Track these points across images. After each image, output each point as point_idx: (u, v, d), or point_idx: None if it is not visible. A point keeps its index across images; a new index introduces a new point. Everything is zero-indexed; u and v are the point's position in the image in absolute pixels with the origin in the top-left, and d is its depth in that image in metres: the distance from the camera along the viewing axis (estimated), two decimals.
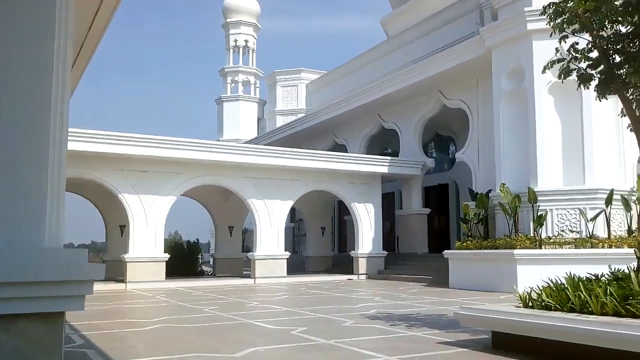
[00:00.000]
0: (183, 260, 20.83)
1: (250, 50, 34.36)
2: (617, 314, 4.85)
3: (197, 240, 24.62)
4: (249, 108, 33.13)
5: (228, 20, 34.14)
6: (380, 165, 18.82)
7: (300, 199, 18.56)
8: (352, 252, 19.18)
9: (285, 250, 17.83)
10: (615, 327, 4.52)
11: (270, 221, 17.41)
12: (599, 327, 4.61)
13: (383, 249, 19.31)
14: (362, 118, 21.97)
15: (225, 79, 33.92)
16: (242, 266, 21.48)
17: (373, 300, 11.16)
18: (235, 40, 33.91)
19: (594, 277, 5.61)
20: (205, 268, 23.91)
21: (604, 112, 13.22)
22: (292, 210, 22.61)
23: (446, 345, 5.84)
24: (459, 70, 16.75)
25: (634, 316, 4.72)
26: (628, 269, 5.59)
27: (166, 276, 15.92)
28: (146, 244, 15.52)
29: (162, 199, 15.80)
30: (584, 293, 5.11)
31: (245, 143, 25.38)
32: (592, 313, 4.99)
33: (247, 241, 24.76)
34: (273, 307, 10.16)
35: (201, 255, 24.69)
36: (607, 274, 5.69)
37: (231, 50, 34.16)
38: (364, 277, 18.61)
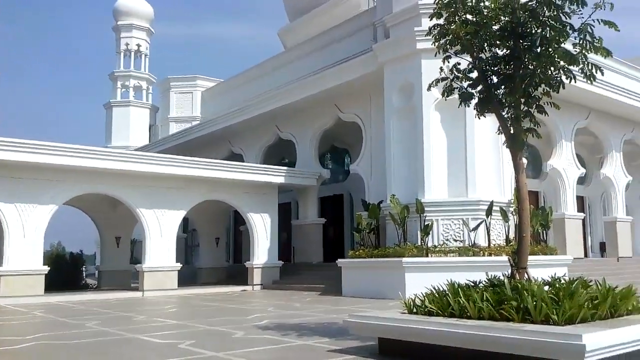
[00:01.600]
0: (65, 273, 19.49)
1: (143, 55, 33.18)
2: (492, 318, 5.17)
3: (81, 251, 23.16)
4: (140, 114, 31.89)
5: (119, 23, 32.76)
6: (276, 175, 18.85)
7: (193, 209, 18.08)
8: (247, 262, 18.99)
9: (177, 262, 17.27)
10: (489, 331, 4.82)
11: (160, 231, 16.79)
12: (475, 331, 4.89)
13: (279, 259, 19.31)
14: (260, 128, 21.93)
15: (115, 83, 32.42)
16: (130, 279, 20.49)
17: (266, 311, 11.09)
18: (127, 44, 32.60)
19: (472, 284, 5.95)
20: (90, 281, 22.56)
21: (486, 130, 14.20)
22: (185, 220, 21.99)
23: (335, 352, 5.92)
24: (353, 84, 17.27)
25: (507, 320, 5.06)
26: (503, 275, 5.99)
27: (45, 290, 14.81)
28: (23, 255, 14.35)
29: (41, 208, 14.71)
30: (462, 299, 5.41)
31: (135, 150, 24.36)
32: (470, 318, 5.29)
33: (135, 252, 23.70)
34: (161, 320, 9.77)
35: (85, 267, 23.27)
36: (485, 281, 6.06)
37: (122, 54, 32.77)
38: (258, 287, 18.47)
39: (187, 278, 20.14)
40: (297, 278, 18.33)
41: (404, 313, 5.89)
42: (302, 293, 15.88)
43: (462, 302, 5.37)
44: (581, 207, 25.19)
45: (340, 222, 22.22)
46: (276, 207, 19.59)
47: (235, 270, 22.15)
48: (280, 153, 23.35)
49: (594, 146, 24.79)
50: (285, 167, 19.75)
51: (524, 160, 19.00)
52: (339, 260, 15.32)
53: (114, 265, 20.54)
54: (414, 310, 5.80)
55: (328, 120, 19.40)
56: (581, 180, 23.74)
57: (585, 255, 24.92)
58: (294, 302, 13.06)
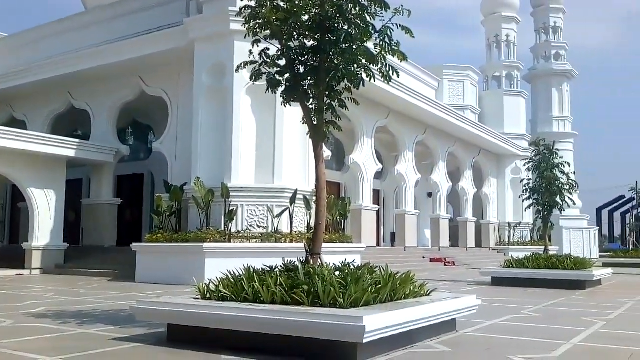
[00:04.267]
0: None
1: None
2: (284, 302, 5.45)
3: None
4: None
5: None
6: (66, 148, 17.37)
7: None
8: (25, 244, 17.24)
9: None
10: (280, 314, 5.08)
11: None
12: (267, 315, 5.12)
13: (64, 241, 17.87)
14: (49, 93, 19.97)
15: None
16: None
17: (44, 298, 10.22)
18: None
19: (268, 269, 6.18)
20: None
21: (295, 119, 14.74)
22: None
23: (119, 341, 5.70)
24: (160, 58, 16.65)
25: (298, 304, 5.37)
26: (299, 261, 6.32)
27: None
28: None
29: None
30: (257, 284, 5.60)
31: None
32: (264, 302, 5.50)
33: None
34: None
35: None
36: (281, 266, 6.33)
37: None
38: (38, 272, 16.90)
39: None
40: (86, 262, 17.17)
41: (197, 298, 5.90)
42: (91, 278, 14.95)
43: (256, 287, 5.56)
44: (377, 199, 27.70)
45: (140, 204, 21.34)
46: (63, 184, 18.07)
47: (10, 253, 19.92)
48: (72, 124, 21.56)
49: (391, 144, 27.40)
50: (77, 140, 18.29)
51: (329, 153, 20.16)
52: (134, 244, 14.71)
53: None
54: (208, 295, 5.85)
55: (130, 92, 18.43)
56: (378, 175, 26.07)
57: (378, 244, 27.50)
58: (80, 288, 12.24)
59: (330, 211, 14.67)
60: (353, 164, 22.00)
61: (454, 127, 27.96)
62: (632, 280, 18.59)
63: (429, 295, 6.70)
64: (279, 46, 6.37)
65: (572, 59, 49.69)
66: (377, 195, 28.17)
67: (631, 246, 37.54)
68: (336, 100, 6.45)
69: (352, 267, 6.34)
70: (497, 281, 15.05)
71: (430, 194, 30.81)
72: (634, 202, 46.01)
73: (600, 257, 36.10)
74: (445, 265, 23.78)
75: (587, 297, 12.21)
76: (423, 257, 24.32)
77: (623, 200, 58.89)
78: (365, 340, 4.76)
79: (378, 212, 25.48)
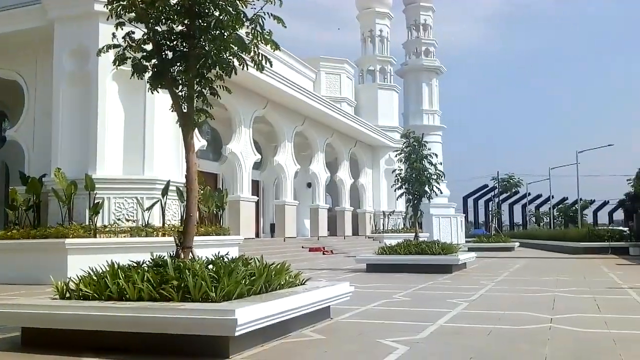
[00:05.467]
0: None
1: None
2: (152, 299, 5.25)
3: None
4: None
5: None
6: None
7: None
8: None
9: None
10: (147, 312, 4.90)
11: None
12: (132, 313, 4.91)
13: None
14: None
15: None
16: None
17: None
18: None
19: (135, 264, 5.93)
20: None
21: (167, 106, 14.25)
22: None
23: None
24: (15, 38, 15.31)
25: (167, 300, 5.21)
26: (168, 255, 6.12)
27: None
28: None
29: None
30: (122, 280, 5.35)
31: None
32: (130, 300, 5.27)
33: None
34: None
35: None
36: (149, 261, 6.10)
37: None
38: None
39: None
40: None
41: (55, 298, 5.52)
42: None
43: (121, 283, 5.32)
44: (256, 190, 27.66)
45: None
46: None
47: None
48: None
49: (270, 134, 27.48)
50: None
51: (205, 142, 19.73)
52: None
53: None
54: (67, 295, 5.49)
55: None
56: (257, 166, 26.05)
57: (257, 235, 27.52)
58: None
59: (206, 203, 14.41)
60: (230, 154, 21.77)
61: (331, 119, 28.64)
62: (494, 263, 20.26)
63: (304, 284, 6.81)
64: (145, 30, 6.10)
65: (441, 56, 52.88)
66: (256, 186, 28.15)
67: (493, 231, 40.93)
68: (207, 88, 6.31)
69: (225, 259, 6.26)
70: (372, 267, 15.69)
71: (309, 185, 31.37)
72: (496, 191, 50.13)
73: (466, 242, 38.91)
74: (324, 254, 24.36)
75: (453, 280, 13.11)
76: (302, 247, 24.73)
77: (486, 189, 63.93)
78: (237, 333, 4.73)
79: (257, 203, 25.48)
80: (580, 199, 50.79)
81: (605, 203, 71.04)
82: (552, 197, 58.93)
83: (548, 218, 64.98)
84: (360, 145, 34.49)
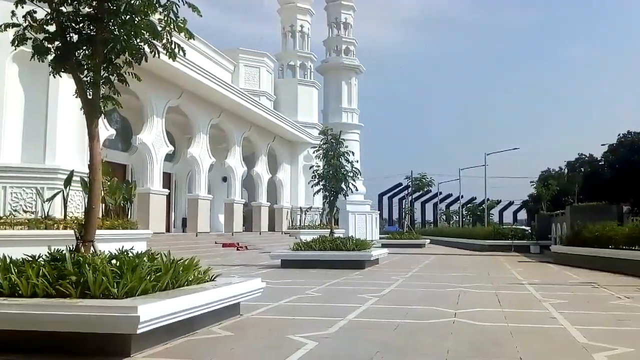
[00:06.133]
0: None
1: None
2: (48, 295, 4.99)
3: None
4: None
5: None
6: None
7: None
8: None
9: None
10: (41, 309, 4.65)
11: None
12: (25, 310, 4.65)
13: None
14: None
15: None
16: None
17: None
18: None
19: (30, 259, 5.61)
20: None
21: (71, 91, 13.58)
22: None
23: None
24: None
25: (65, 296, 4.96)
26: (67, 249, 5.84)
27: None
28: None
29: None
30: (14, 275, 5.05)
31: None
32: (23, 296, 4.98)
33: None
34: None
35: None
36: (46, 255, 5.79)
37: None
38: None
39: None
40: None
41: None
42: None
43: (13, 279, 5.01)
44: (168, 183, 26.97)
45: None
46: None
47: None
48: None
49: (184, 126, 26.84)
50: None
51: (113, 131, 18.92)
52: None
53: None
54: None
55: None
56: (169, 158, 25.40)
57: (168, 230, 26.82)
58: None
59: (113, 195, 13.86)
60: (141, 145, 21.07)
61: (249, 113, 28.40)
62: (405, 259, 20.90)
63: (213, 280, 6.72)
64: (49, 10, 5.76)
65: (361, 56, 53.75)
66: (168, 179, 27.45)
67: (405, 229, 42.24)
68: (115, 75, 6.07)
69: (130, 254, 6.06)
70: (287, 263, 15.74)
71: (224, 179, 30.96)
72: (409, 190, 51.73)
73: (380, 238, 39.91)
74: (238, 249, 24.14)
75: (365, 275, 13.40)
76: (215, 243, 24.39)
77: (400, 188, 65.85)
78: (139, 331, 4.60)
79: (168, 196, 24.84)
80: (488, 199, 53.46)
81: (510, 203, 75.19)
82: (462, 196, 61.76)
83: (457, 216, 67.94)
84: (279, 140, 34.47)
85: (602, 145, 33.36)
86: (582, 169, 35.92)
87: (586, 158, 36.95)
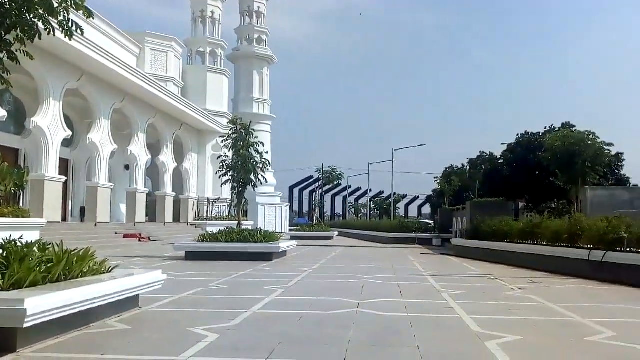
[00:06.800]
0: None
1: None
2: None
3: None
4: None
5: None
6: None
7: None
8: None
9: None
10: None
11: None
12: None
13: None
14: None
15: None
16: None
17: None
18: None
19: None
20: None
21: None
22: None
23: None
24: None
25: None
26: None
27: None
28: None
29: None
30: None
31: None
32: None
33: None
34: None
35: None
36: None
37: None
38: None
39: None
40: None
41: None
42: None
43: None
44: (65, 170, 25.65)
45: None
46: None
47: None
48: None
49: (84, 110, 25.62)
50: None
51: (4, 113, 17.80)
52: None
53: None
54: None
55: None
56: (67, 143, 24.16)
57: (65, 219, 25.56)
58: None
59: (2, 181, 12.98)
60: (35, 128, 19.87)
61: (155, 98, 27.55)
62: (313, 250, 21.16)
63: (110, 272, 6.49)
64: None
65: (273, 47, 53.55)
66: (65, 165, 26.11)
67: (315, 221, 42.68)
68: (5, 52, 5.68)
69: (19, 244, 5.72)
70: (191, 255, 15.46)
71: (127, 167, 29.87)
72: (320, 183, 52.34)
73: (290, 230, 40.11)
74: (140, 241, 23.43)
75: (272, 267, 13.43)
76: (116, 233, 23.52)
77: (311, 180, 66.42)
78: (26, 325, 4.37)
79: (65, 183, 23.63)
80: (394, 194, 55.12)
81: (415, 198, 77.92)
82: (370, 190, 63.21)
83: (366, 210, 69.51)
84: (186, 128, 33.70)
85: (502, 144, 35.31)
86: (483, 167, 37.86)
87: (487, 156, 38.94)
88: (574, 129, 24.53)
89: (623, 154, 33.63)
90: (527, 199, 30.95)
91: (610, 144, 19.31)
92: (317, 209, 50.86)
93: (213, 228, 21.11)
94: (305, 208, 73.13)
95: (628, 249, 11.02)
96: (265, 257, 15.27)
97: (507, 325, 6.22)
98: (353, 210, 77.35)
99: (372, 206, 67.98)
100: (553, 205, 25.87)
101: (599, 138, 18.82)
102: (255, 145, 18.18)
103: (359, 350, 4.96)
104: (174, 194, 32.18)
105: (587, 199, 19.47)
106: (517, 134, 34.64)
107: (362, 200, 76.15)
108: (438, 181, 37.31)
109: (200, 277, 10.92)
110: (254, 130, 18.85)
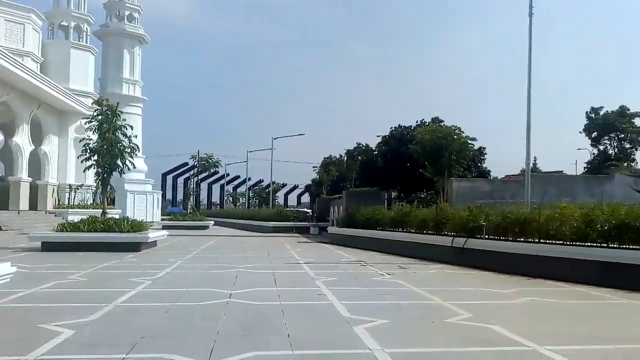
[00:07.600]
0: None
1: None
2: None
3: None
4: None
5: None
6: None
7: None
8: None
9: None
10: None
11: None
12: None
13: None
14: None
15: None
16: None
17: None
18: None
19: None
20: None
21: None
22: None
23: None
24: None
25: None
26: None
27: None
28: None
29: None
30: None
31: None
32: None
33: None
34: None
35: None
36: None
37: None
38: None
39: None
40: None
41: None
42: None
43: None
44: None
45: None
46: None
47: None
48: None
49: None
50: None
51: None
52: None
53: None
54: None
55: None
56: None
57: None
58: None
59: None
60: None
61: (9, 74, 25.31)
62: (186, 240, 20.67)
63: None
64: None
65: (147, 27, 51.33)
66: None
67: (190, 210, 41.71)
68: None
69: None
70: (49, 246, 14.50)
71: None
72: (195, 170, 51.22)
73: (162, 220, 38.94)
74: None
75: (140, 258, 12.93)
76: None
77: (186, 167, 64.79)
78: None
79: None
80: (274, 182, 55.27)
81: (295, 187, 78.76)
82: (249, 178, 62.87)
83: (244, 199, 69.09)
84: (46, 108, 31.35)
85: (377, 136, 36.72)
86: (360, 157, 39.09)
87: (363, 147, 40.28)
88: (442, 123, 26.08)
89: (485, 148, 36.39)
90: (399, 189, 32.41)
91: (474, 139, 20.77)
92: (192, 197, 49.73)
93: (75, 217, 19.91)
94: (180, 196, 71.26)
95: (487, 236, 11.92)
96: (133, 247, 14.68)
97: (375, 310, 6.46)
98: (231, 199, 76.68)
99: (251, 195, 67.72)
100: (422, 195, 27.29)
101: (463, 133, 20.14)
102: (123, 129, 17.32)
103: (228, 341, 4.92)
104: (31, 179, 29.86)
105: (452, 189, 20.81)
106: (391, 127, 36.16)
107: (241, 189, 75.77)
108: (317, 171, 38.00)
109: (57, 269, 10.26)
110: (121, 112, 17.95)
